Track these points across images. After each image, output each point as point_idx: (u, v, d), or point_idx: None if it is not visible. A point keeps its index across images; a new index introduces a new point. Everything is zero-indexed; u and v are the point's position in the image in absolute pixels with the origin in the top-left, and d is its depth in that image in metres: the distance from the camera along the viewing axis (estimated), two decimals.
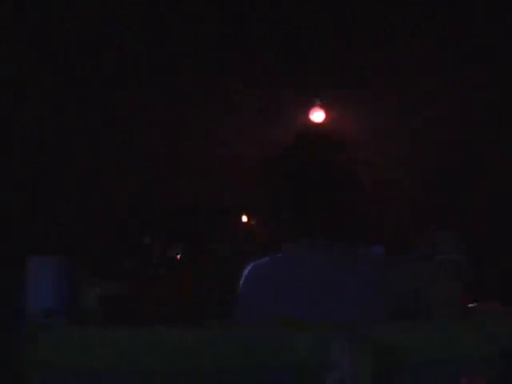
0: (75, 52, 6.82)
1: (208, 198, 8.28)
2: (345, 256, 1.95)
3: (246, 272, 1.99)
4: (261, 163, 2.06)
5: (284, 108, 7.69)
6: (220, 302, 5.57)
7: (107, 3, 6.36)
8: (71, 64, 6.94)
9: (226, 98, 7.31)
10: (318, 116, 7.91)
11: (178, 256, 7.95)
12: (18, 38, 6.50)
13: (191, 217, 8.27)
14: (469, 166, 7.64)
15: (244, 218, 8.51)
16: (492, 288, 5.65)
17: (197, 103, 7.47)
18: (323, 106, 7.86)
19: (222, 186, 8.01)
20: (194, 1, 6.43)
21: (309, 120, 7.86)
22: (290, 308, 1.87)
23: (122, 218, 8.08)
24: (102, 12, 6.38)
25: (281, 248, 2.01)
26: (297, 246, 1.96)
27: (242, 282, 1.98)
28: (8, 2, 6.39)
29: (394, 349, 1.51)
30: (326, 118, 7.78)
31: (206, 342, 1.52)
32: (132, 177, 7.96)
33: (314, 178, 1.96)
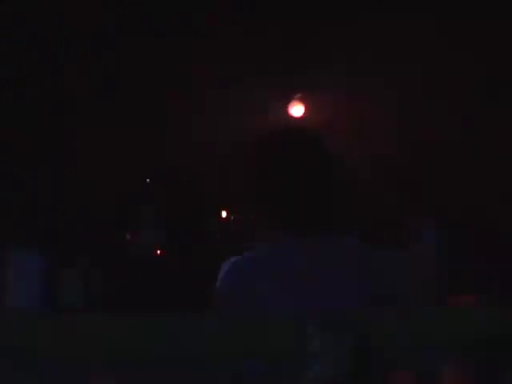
0: (75, 51, 6.89)
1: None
2: (332, 245, 1.94)
3: (230, 268, 1.97)
4: (242, 160, 2.08)
5: (270, 103, 7.75)
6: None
7: (107, 3, 6.48)
8: (71, 63, 7.00)
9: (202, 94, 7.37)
10: (297, 110, 8.02)
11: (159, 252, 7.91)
12: (18, 38, 6.59)
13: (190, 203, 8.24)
14: (464, 155, 7.65)
15: (223, 214, 8.44)
16: (492, 280, 5.71)
17: (177, 100, 7.51)
18: (303, 100, 7.98)
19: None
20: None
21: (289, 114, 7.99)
22: (282, 300, 1.87)
23: (120, 206, 8.07)
24: (101, 12, 6.48)
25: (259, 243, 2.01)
26: (284, 238, 1.96)
27: (227, 278, 1.96)
28: (8, 2, 6.47)
29: (381, 336, 1.53)
30: (318, 109, 7.83)
31: (194, 330, 1.57)
32: (122, 160, 7.91)
33: (298, 169, 1.96)
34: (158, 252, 7.76)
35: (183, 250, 7.50)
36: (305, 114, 7.91)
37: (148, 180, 8.26)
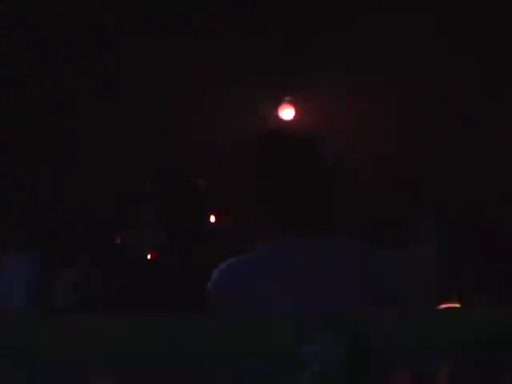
0: (75, 51, 6.91)
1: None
2: (332, 245, 1.95)
3: (225, 269, 1.97)
4: (242, 160, 2.10)
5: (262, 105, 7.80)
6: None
7: (107, 3, 6.51)
8: (71, 63, 7.03)
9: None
10: (287, 113, 8.08)
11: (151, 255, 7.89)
12: (18, 38, 6.60)
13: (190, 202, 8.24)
14: (464, 152, 7.66)
15: (212, 219, 8.43)
16: (492, 280, 5.71)
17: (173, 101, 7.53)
18: (293, 103, 8.05)
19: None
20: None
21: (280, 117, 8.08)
22: (282, 300, 1.87)
23: (120, 206, 8.08)
24: (101, 12, 6.51)
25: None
26: (284, 238, 1.97)
27: (223, 279, 1.96)
28: (8, 2, 6.49)
29: (381, 336, 1.54)
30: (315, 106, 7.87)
31: (194, 330, 1.58)
32: (122, 160, 7.92)
33: (298, 169, 1.96)
34: (149, 256, 7.72)
35: (183, 250, 7.50)
36: (304, 114, 7.94)
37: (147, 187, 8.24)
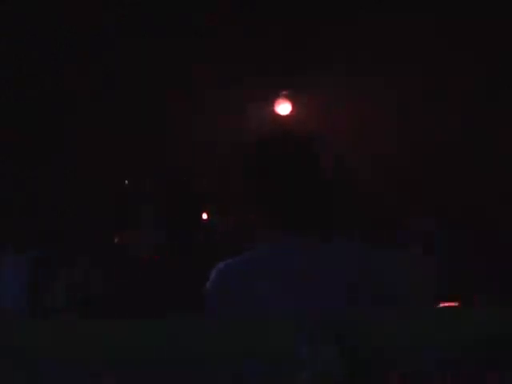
0: (75, 51, 6.94)
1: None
2: (332, 245, 1.95)
3: (223, 269, 1.97)
4: (242, 160, 2.05)
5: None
6: None
7: (107, 3, 6.53)
8: (71, 63, 7.05)
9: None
10: (284, 108, 8.11)
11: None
12: (18, 38, 6.63)
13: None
14: (464, 149, 7.68)
15: (204, 216, 8.43)
16: (492, 280, 5.71)
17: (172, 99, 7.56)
18: (290, 97, 8.08)
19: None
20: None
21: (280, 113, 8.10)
22: (281, 300, 1.86)
23: (120, 206, 8.10)
24: (101, 12, 6.54)
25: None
26: (284, 238, 1.97)
27: (222, 280, 1.96)
28: (8, 2, 6.51)
29: (381, 336, 1.54)
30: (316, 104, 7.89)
31: (194, 330, 1.58)
32: (122, 160, 7.96)
33: (298, 169, 1.97)
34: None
35: (183, 250, 7.50)
36: (302, 110, 7.96)
37: (126, 181, 8.27)
